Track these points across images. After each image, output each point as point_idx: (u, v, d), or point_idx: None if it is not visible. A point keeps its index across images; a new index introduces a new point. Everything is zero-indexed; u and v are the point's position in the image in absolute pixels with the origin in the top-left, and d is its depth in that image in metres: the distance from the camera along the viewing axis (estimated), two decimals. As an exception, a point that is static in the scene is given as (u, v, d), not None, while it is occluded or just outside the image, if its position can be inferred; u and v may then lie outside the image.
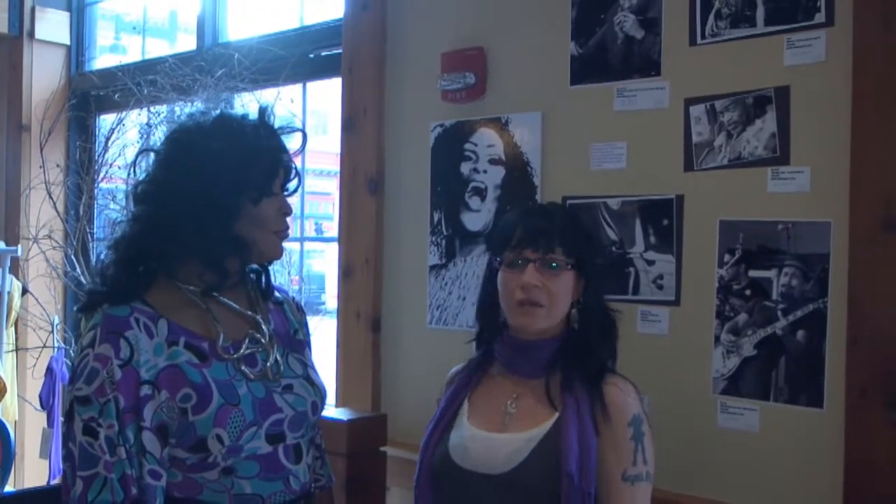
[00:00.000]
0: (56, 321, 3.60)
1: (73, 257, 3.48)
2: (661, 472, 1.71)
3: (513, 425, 1.62)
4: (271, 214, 1.51)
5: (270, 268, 1.63)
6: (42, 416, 3.53)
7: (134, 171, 1.58)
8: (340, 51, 2.75)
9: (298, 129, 1.61)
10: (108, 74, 3.65)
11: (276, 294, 1.65)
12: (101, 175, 3.53)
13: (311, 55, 3.00)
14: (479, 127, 2.37)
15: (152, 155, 1.54)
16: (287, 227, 1.55)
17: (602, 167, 2.13)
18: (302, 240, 3.24)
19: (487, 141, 2.35)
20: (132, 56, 3.93)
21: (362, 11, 2.65)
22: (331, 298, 3.42)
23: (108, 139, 3.50)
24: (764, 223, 1.89)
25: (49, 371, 3.44)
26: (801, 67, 1.85)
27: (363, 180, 2.62)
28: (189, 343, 1.45)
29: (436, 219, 2.46)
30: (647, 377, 1.93)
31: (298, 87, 3.09)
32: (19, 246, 3.61)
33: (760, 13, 1.90)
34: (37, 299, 3.69)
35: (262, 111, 1.55)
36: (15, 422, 3.60)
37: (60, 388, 3.37)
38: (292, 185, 1.58)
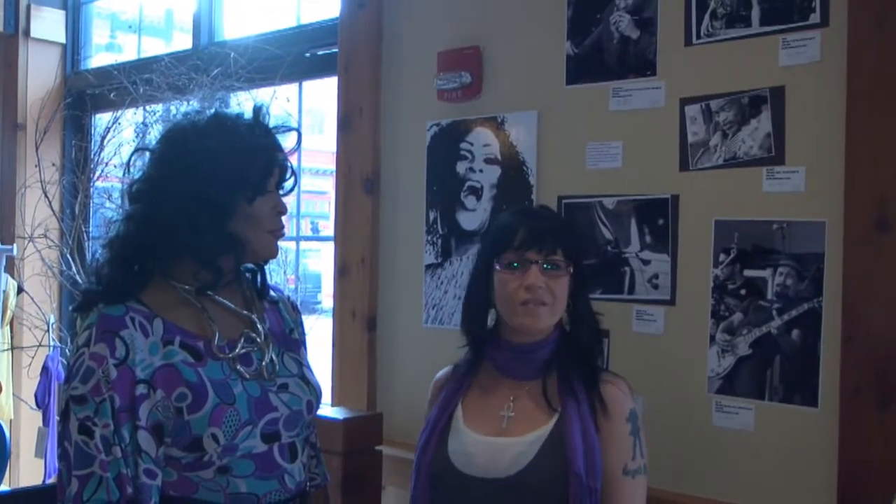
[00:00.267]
0: (52, 320, 3.60)
1: (68, 256, 3.48)
2: (656, 470, 1.71)
3: (512, 428, 1.62)
4: (266, 213, 1.51)
5: (266, 267, 1.63)
6: (37, 416, 3.53)
7: (129, 170, 1.57)
8: (336, 50, 2.74)
9: (293, 129, 1.61)
10: (104, 73, 3.65)
11: (272, 293, 1.65)
12: (97, 174, 3.53)
13: (308, 54, 3.00)
14: (475, 126, 2.37)
15: (147, 154, 1.53)
16: (282, 226, 1.55)
17: (598, 167, 2.13)
18: (298, 239, 3.24)
19: (483, 140, 2.35)
20: (128, 55, 3.92)
21: (358, 10, 2.65)
22: (326, 297, 3.42)
23: (103, 138, 3.51)
24: (759, 223, 1.89)
25: (45, 370, 3.44)
26: (795, 67, 1.85)
27: (359, 179, 2.62)
28: (184, 342, 1.45)
29: (431, 218, 2.46)
30: (643, 376, 1.94)
31: (295, 86, 3.09)
32: (15, 245, 3.62)
33: (755, 13, 1.90)
34: (32, 298, 3.69)
35: (257, 110, 1.55)
36: (10, 421, 3.60)
37: (56, 388, 3.37)
38: (288, 184, 1.58)
